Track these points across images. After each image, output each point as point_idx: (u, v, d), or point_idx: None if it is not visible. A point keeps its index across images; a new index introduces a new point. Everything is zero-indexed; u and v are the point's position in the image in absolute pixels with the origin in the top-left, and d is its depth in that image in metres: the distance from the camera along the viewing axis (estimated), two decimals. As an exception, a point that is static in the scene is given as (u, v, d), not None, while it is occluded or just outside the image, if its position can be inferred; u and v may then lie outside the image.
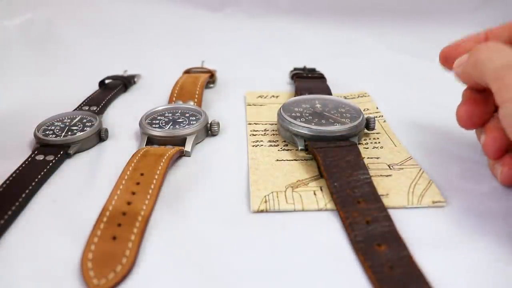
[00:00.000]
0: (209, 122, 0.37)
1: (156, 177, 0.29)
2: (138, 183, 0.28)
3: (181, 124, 0.36)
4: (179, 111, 0.38)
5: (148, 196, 0.27)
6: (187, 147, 0.34)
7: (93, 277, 0.22)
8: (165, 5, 0.73)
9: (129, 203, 0.27)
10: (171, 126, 0.35)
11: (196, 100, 0.42)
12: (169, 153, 0.32)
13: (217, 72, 0.52)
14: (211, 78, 0.49)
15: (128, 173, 0.29)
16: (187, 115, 0.37)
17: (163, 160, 0.31)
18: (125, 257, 0.23)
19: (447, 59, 0.32)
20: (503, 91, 0.24)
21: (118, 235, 0.24)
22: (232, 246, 0.25)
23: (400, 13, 0.70)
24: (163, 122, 0.36)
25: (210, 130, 0.37)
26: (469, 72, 0.28)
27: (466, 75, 0.28)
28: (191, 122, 0.36)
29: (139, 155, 0.31)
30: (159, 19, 0.72)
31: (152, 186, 0.28)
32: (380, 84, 0.48)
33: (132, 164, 0.30)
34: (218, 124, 0.37)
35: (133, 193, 0.28)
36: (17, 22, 0.63)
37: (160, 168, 0.30)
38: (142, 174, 0.29)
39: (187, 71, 0.50)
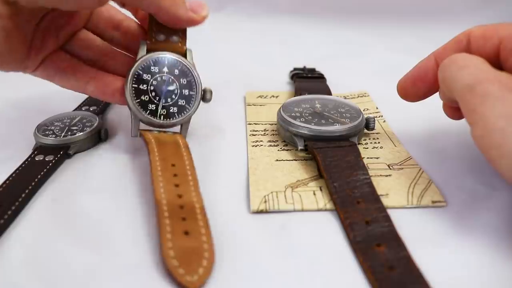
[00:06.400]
0: (203, 89, 0.34)
1: (188, 167, 0.29)
2: (175, 175, 0.28)
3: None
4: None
5: (192, 188, 0.27)
6: (183, 133, 0.34)
7: (184, 274, 0.21)
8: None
9: (180, 196, 0.26)
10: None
11: None
12: (182, 141, 0.32)
13: (217, 72, 0.51)
14: None
15: (158, 163, 0.28)
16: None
17: (183, 149, 0.30)
18: (206, 251, 0.23)
19: (406, 95, 0.32)
20: (466, 115, 0.24)
21: (188, 229, 0.24)
22: (231, 246, 0.25)
23: (400, 13, 0.70)
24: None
25: (203, 98, 0.34)
26: (441, 88, 0.27)
27: (440, 93, 0.28)
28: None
29: (153, 143, 0.30)
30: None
31: (190, 178, 0.28)
32: (380, 84, 0.48)
33: (156, 154, 0.29)
34: (210, 91, 0.34)
35: (177, 185, 0.27)
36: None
37: (186, 158, 0.30)
38: (173, 165, 0.29)
39: None
